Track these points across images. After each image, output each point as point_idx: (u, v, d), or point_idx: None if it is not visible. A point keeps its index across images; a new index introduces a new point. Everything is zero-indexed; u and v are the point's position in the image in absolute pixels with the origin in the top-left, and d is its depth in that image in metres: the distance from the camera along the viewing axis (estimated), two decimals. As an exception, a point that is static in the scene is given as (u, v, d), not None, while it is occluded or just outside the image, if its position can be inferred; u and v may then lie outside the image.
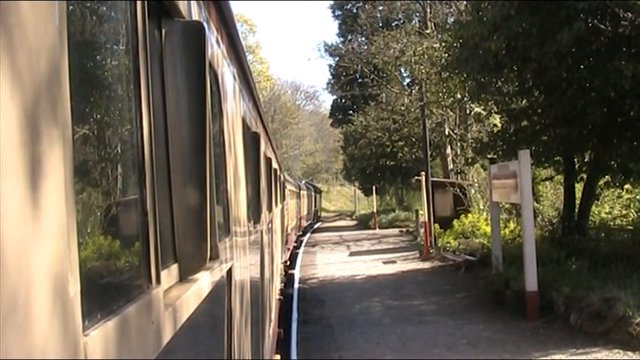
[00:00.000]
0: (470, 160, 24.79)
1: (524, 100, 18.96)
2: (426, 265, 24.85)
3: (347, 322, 15.08)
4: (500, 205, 20.41)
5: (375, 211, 51.71)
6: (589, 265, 15.25)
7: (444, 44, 22.89)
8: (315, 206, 67.27)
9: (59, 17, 1.21)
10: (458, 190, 29.44)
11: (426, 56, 28.21)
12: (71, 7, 1.42)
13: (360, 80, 50.36)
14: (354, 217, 68.02)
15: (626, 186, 19.11)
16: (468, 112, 33.19)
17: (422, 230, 28.85)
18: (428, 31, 33.68)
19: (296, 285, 20.89)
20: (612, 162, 17.36)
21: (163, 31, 2.46)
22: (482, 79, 18.22)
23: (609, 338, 12.00)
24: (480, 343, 12.69)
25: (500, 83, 18.70)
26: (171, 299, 2.19)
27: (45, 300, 1.09)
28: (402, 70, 41.31)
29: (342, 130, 63.61)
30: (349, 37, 51.09)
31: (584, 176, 18.70)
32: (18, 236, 1.02)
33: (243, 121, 5.82)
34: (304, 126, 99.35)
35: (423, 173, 29.35)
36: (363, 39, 47.33)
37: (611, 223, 19.99)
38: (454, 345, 12.69)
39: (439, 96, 26.83)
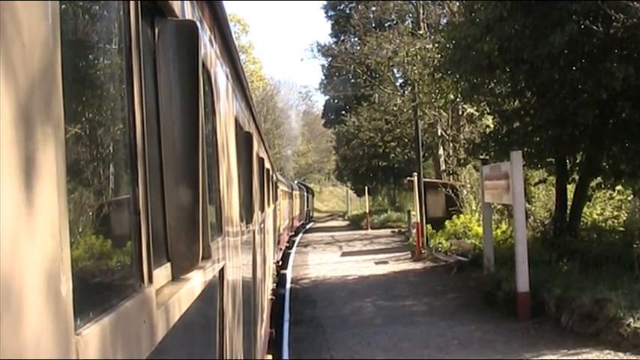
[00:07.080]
0: (462, 161, 24.75)
1: (517, 102, 19.00)
2: (418, 265, 24.86)
3: (338, 323, 15.08)
4: (492, 206, 20.45)
5: (367, 211, 51.67)
6: (580, 266, 15.29)
7: (436, 45, 22.94)
8: (308, 206, 67.21)
9: (52, 16, 1.21)
10: (450, 191, 29.45)
11: (418, 57, 28.23)
12: (64, 6, 1.41)
13: (352, 80, 50.47)
14: (346, 218, 67.99)
15: (618, 187, 19.15)
16: (460, 113, 33.26)
17: (414, 231, 28.85)
18: (421, 32, 33.75)
19: (288, 285, 20.88)
20: (604, 163, 17.41)
21: (156, 30, 2.45)
22: (475, 80, 18.25)
23: (600, 339, 12.03)
24: (471, 344, 12.71)
25: (492, 84, 18.73)
26: (164, 298, 2.18)
27: (37, 299, 1.09)
28: (395, 70, 41.33)
29: (334, 130, 63.65)
30: (342, 38, 51.14)
31: (576, 177, 18.76)
32: (10, 235, 1.01)
33: (236, 120, 5.81)
34: (297, 126, 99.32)
35: (416, 174, 29.36)
36: (356, 39, 47.41)
37: (603, 225, 20.05)
38: (445, 345, 12.71)
39: (432, 97, 26.82)
